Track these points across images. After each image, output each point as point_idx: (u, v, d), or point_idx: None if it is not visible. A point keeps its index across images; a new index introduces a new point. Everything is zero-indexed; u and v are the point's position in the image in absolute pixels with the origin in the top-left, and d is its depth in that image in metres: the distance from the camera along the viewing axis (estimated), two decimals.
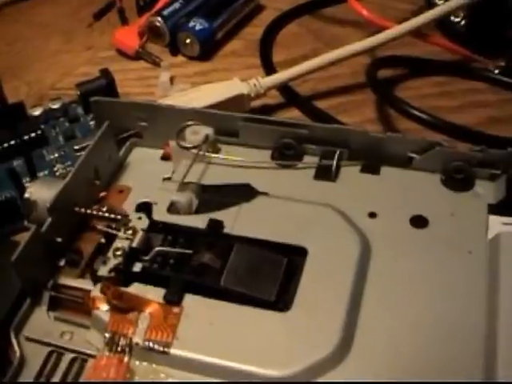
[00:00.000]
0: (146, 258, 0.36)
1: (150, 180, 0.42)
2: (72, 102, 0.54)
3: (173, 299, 0.35)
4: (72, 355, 0.35)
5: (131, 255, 0.36)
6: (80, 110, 0.53)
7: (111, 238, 0.38)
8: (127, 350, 0.33)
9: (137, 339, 0.33)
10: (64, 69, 0.61)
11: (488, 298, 0.34)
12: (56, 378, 0.34)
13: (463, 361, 0.32)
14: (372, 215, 0.39)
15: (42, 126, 0.52)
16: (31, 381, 0.33)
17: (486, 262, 0.36)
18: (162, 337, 0.33)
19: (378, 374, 0.32)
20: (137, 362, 0.33)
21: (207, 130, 0.42)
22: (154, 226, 0.38)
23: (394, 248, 0.37)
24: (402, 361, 0.32)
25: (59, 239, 0.38)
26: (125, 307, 0.34)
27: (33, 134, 0.50)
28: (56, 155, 0.50)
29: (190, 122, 0.43)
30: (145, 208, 0.40)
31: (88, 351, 0.35)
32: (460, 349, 0.33)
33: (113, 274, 0.36)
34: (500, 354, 0.31)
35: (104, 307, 0.35)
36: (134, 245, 0.37)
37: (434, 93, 0.55)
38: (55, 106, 0.53)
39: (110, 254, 0.36)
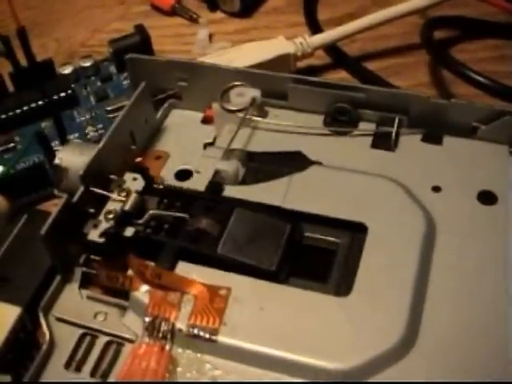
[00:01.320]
0: (140, 221, 0.33)
1: (190, 145, 0.39)
2: (104, 60, 0.51)
3: (164, 265, 0.32)
4: (107, 338, 0.32)
5: (123, 219, 0.33)
6: (113, 69, 0.50)
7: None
8: (169, 336, 0.30)
9: (180, 324, 0.30)
10: (95, 25, 0.57)
11: None
12: (89, 364, 0.31)
13: None
14: (436, 189, 0.35)
15: (73, 86, 0.48)
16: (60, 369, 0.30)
17: None
18: (207, 322, 0.30)
19: (446, 370, 0.29)
20: (179, 350, 0.30)
21: (254, 92, 0.39)
22: (150, 188, 0.35)
23: (461, 227, 0.34)
24: (474, 355, 0.29)
25: (92, 210, 0.34)
26: (166, 288, 0.31)
27: (62, 94, 0.47)
28: (87, 117, 0.47)
29: (235, 83, 0.39)
30: (185, 176, 0.37)
31: (125, 335, 0.32)
32: None
33: (103, 240, 0.32)
34: None
35: (144, 288, 0.31)
36: (127, 208, 0.33)
37: (489, 56, 0.51)
38: (86, 64, 0.50)
39: (102, 217, 0.33)
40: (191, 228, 0.33)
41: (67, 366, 0.31)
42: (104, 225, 0.33)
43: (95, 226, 0.33)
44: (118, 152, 0.37)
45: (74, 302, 0.33)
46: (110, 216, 0.33)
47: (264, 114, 0.40)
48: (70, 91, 0.47)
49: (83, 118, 0.47)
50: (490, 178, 0.36)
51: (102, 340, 0.32)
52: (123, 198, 0.34)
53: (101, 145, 0.36)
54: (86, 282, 0.34)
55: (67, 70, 0.50)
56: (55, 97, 0.47)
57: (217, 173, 0.36)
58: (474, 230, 0.33)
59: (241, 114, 0.38)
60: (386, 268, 0.32)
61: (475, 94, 0.45)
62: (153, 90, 0.41)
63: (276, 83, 0.39)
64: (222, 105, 0.39)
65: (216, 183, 0.35)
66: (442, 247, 0.33)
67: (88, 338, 0.32)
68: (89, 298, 0.33)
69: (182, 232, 0.33)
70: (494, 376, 0.28)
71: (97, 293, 0.33)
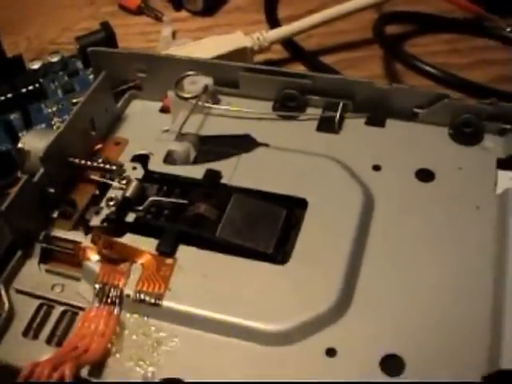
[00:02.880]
0: (140, 208, 0.35)
1: (148, 132, 0.41)
2: (72, 56, 0.53)
3: (166, 250, 0.33)
4: (63, 308, 0.34)
5: (124, 205, 0.35)
6: (80, 64, 0.52)
7: (105, 189, 0.37)
8: (117, 301, 0.32)
9: (128, 290, 0.32)
10: (65, 24, 0.59)
11: (496, 256, 0.33)
12: (45, 331, 0.33)
13: (468, 322, 0.31)
14: (376, 168, 0.37)
15: (41, 80, 0.50)
16: None
17: (494, 218, 0.34)
18: (153, 288, 0.32)
19: (378, 333, 0.31)
20: (127, 315, 0.32)
21: (206, 80, 0.41)
22: (150, 177, 0.37)
23: (398, 202, 0.36)
24: (404, 320, 0.31)
25: (52, 190, 0.37)
26: (116, 258, 0.33)
27: (30, 87, 0.49)
28: (54, 109, 0.49)
29: (189, 73, 0.41)
30: (141, 160, 0.39)
31: (79, 304, 0.33)
32: (466, 310, 0.31)
33: (105, 225, 0.34)
34: (508, 317, 0.30)
35: (95, 258, 0.33)
36: (128, 194, 0.35)
37: (443, 50, 0.53)
38: (54, 60, 0.52)
39: (103, 203, 0.35)
40: (191, 213, 0.35)
41: (25, 333, 0.33)
42: (106, 211, 0.35)
43: (97, 213, 0.35)
44: (79, 137, 0.39)
45: (34, 276, 0.35)
46: (112, 203, 0.35)
47: (217, 102, 0.42)
48: (37, 85, 0.49)
49: (50, 110, 0.49)
50: (429, 158, 0.38)
51: (58, 310, 0.34)
52: (124, 186, 0.36)
53: (61, 129, 0.38)
54: (45, 257, 0.36)
55: (36, 66, 0.51)
56: (24, 90, 0.48)
57: (169, 154, 0.38)
58: (410, 205, 0.35)
59: (194, 101, 0.40)
60: (323, 239, 0.34)
61: (428, 85, 0.47)
62: (115, 81, 0.43)
63: (228, 72, 0.41)
64: (177, 93, 0.41)
65: (214, 171, 0.37)
66: (379, 220, 0.35)
67: (45, 308, 0.34)
68: (47, 271, 0.35)
69: (182, 217, 0.35)
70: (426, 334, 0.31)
71: (56, 266, 0.35)
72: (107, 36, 0.51)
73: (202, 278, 0.32)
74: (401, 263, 0.33)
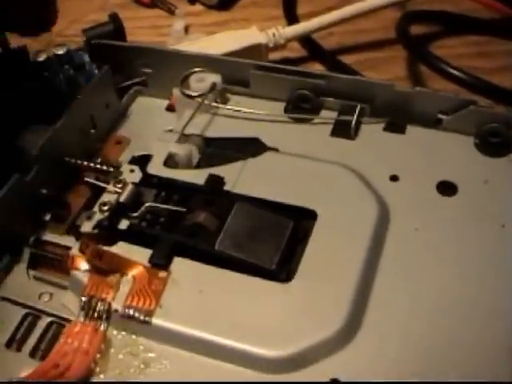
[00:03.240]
0: (135, 214, 0.32)
1: (152, 132, 0.39)
2: (78, 49, 0.50)
3: (159, 262, 0.31)
4: (49, 319, 0.31)
5: (118, 211, 0.32)
6: (86, 58, 0.49)
7: (101, 193, 0.34)
8: (104, 316, 0.29)
9: (116, 305, 0.30)
10: (74, 15, 0.57)
11: None
12: (30, 344, 0.30)
13: (488, 347, 0.28)
14: (394, 178, 0.34)
15: (46, 73, 0.47)
16: None
17: None
18: (144, 304, 0.29)
19: (390, 360, 0.28)
20: (114, 332, 0.30)
21: (214, 78, 0.38)
22: (148, 181, 0.34)
23: (416, 216, 0.33)
24: (419, 345, 0.28)
25: (45, 191, 0.34)
26: (106, 268, 0.30)
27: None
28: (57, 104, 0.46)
29: (196, 69, 0.38)
30: (140, 162, 0.36)
31: (66, 315, 0.31)
32: (485, 335, 0.28)
33: (96, 231, 0.31)
34: None
35: (83, 267, 0.31)
36: (122, 199, 0.33)
37: (470, 52, 0.50)
38: (60, 52, 0.49)
39: (96, 208, 0.32)
40: (189, 222, 0.32)
41: (8, 344, 0.30)
42: (98, 216, 0.32)
43: (89, 218, 0.32)
44: (76, 135, 0.37)
45: (21, 282, 0.33)
46: (105, 208, 0.32)
47: (226, 101, 0.39)
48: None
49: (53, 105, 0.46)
50: (452, 169, 0.35)
51: (44, 320, 0.31)
52: (119, 190, 0.33)
53: (56, 126, 0.35)
54: (34, 263, 0.33)
55: (41, 58, 0.49)
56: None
57: (170, 157, 0.35)
58: (429, 220, 0.33)
59: (200, 100, 0.37)
60: (332, 255, 0.31)
61: (453, 89, 0.44)
62: (120, 76, 0.41)
63: (238, 69, 0.39)
64: (182, 90, 0.38)
65: (216, 177, 0.34)
66: (395, 236, 0.32)
67: (30, 318, 0.31)
68: (36, 278, 0.33)
69: (179, 226, 0.32)
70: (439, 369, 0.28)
71: (45, 274, 0.33)
72: (115, 29, 0.49)
73: (197, 294, 0.30)
74: (417, 284, 0.30)
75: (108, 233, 0.32)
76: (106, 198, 0.33)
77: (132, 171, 0.34)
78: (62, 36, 0.54)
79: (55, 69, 0.47)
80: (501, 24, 0.51)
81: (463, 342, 0.28)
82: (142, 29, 0.54)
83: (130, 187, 0.33)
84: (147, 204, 0.33)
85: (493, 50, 0.50)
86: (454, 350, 0.28)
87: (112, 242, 0.32)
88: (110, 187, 0.33)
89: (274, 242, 0.31)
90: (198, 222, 0.32)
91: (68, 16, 0.56)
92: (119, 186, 0.33)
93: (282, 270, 0.30)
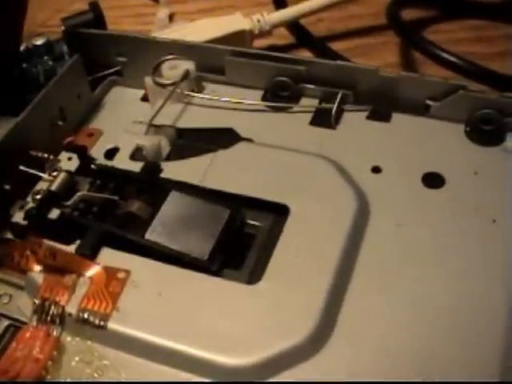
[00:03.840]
0: (67, 203, 0.30)
1: (126, 123, 0.36)
2: (59, 39, 0.48)
3: (84, 252, 0.29)
4: (7, 322, 0.29)
5: (48, 199, 0.30)
6: (66, 48, 0.47)
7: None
8: (58, 320, 0.27)
9: (70, 308, 0.28)
10: (58, 5, 0.55)
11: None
12: None
13: (476, 355, 0.26)
14: (376, 170, 0.32)
15: (24, 65, 0.46)
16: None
17: None
18: (99, 307, 0.27)
19: (362, 372, 0.25)
20: (68, 338, 0.27)
21: (187, 65, 0.36)
22: (84, 169, 0.32)
23: (398, 211, 0.30)
24: (397, 355, 0.26)
25: (7, 186, 0.32)
26: (61, 268, 0.28)
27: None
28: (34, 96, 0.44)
29: (168, 57, 0.36)
30: (110, 155, 0.34)
31: (23, 319, 0.29)
32: (472, 341, 0.26)
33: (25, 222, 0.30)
34: None
35: (38, 268, 0.29)
36: (53, 188, 0.31)
37: (468, 37, 0.48)
38: (38, 43, 0.47)
39: (29, 197, 0.30)
40: (121, 211, 0.30)
41: None
42: (30, 206, 0.30)
43: (22, 208, 0.30)
44: (44, 127, 0.35)
45: None
46: (38, 197, 0.30)
47: (201, 89, 0.37)
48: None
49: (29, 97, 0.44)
50: (439, 159, 0.33)
51: (3, 323, 0.29)
52: (53, 178, 0.31)
53: (19, 117, 0.34)
54: None
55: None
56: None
57: (137, 149, 0.33)
58: (413, 215, 0.30)
59: (172, 88, 0.35)
60: (304, 253, 0.29)
61: (448, 75, 0.42)
62: (94, 66, 0.39)
63: (213, 56, 0.37)
64: (154, 79, 0.36)
65: (152, 164, 0.32)
66: (375, 232, 0.30)
67: None
68: None
69: (112, 215, 0.30)
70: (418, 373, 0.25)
71: (6, 274, 0.31)
72: (95, 17, 0.47)
73: (156, 296, 0.27)
74: (397, 286, 0.28)
75: (38, 222, 0.30)
76: (39, 186, 0.31)
77: (69, 159, 0.32)
78: (46, 26, 0.52)
79: (33, 60, 0.46)
80: (500, 8, 0.49)
81: (446, 347, 0.26)
82: (125, 17, 0.52)
83: (62, 175, 0.31)
84: (80, 193, 0.31)
85: (492, 35, 0.48)
86: (435, 356, 0.26)
87: (43, 233, 0.30)
88: (46, 176, 0.31)
89: (208, 231, 0.29)
90: (130, 210, 0.30)
91: (52, 6, 0.54)
92: (54, 174, 0.31)
93: (215, 261, 0.28)
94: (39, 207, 0.30)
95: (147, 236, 0.29)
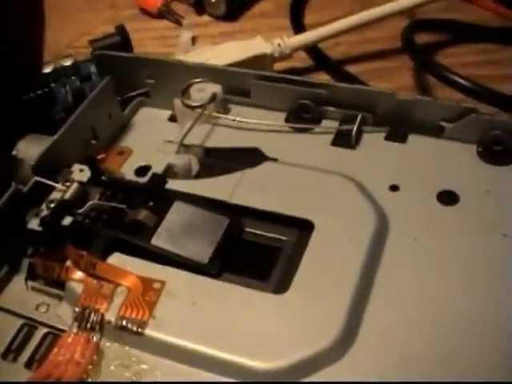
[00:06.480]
0: (79, 211, 0.33)
1: (155, 142, 0.39)
2: (85, 60, 0.50)
3: (94, 255, 0.31)
4: (45, 330, 0.31)
5: (62, 207, 0.32)
6: (93, 69, 0.49)
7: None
8: (97, 327, 0.29)
9: (109, 316, 0.29)
10: (84, 27, 0.57)
11: None
12: (26, 354, 0.30)
13: (485, 363, 0.27)
14: (394, 188, 0.34)
15: (52, 85, 0.48)
16: None
17: None
18: (137, 315, 0.29)
19: (384, 374, 0.27)
20: (107, 343, 0.29)
21: (215, 88, 0.38)
22: (95, 180, 0.34)
23: (415, 227, 0.32)
24: (415, 360, 0.27)
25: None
26: (100, 279, 0.30)
27: (39, 92, 0.46)
28: (63, 115, 0.46)
29: (196, 80, 0.38)
30: (145, 172, 0.36)
31: (61, 326, 0.31)
32: (484, 350, 0.28)
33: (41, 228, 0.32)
34: None
35: (78, 278, 0.31)
36: (67, 196, 0.33)
37: (477, 61, 0.49)
38: (67, 64, 0.49)
39: (44, 205, 0.32)
40: (129, 219, 0.33)
41: (4, 355, 0.30)
42: (45, 213, 0.32)
43: (37, 215, 0.32)
44: (77, 145, 0.37)
45: (19, 293, 0.33)
46: (52, 205, 0.32)
47: (227, 111, 0.39)
48: (46, 89, 0.47)
49: (58, 116, 0.46)
50: (453, 178, 0.34)
51: (41, 331, 0.31)
52: (66, 188, 0.33)
53: (55, 137, 0.35)
54: (33, 274, 0.33)
55: (48, 69, 0.49)
56: (32, 94, 0.46)
57: (169, 167, 0.35)
58: (429, 230, 0.32)
59: (200, 110, 0.37)
60: (328, 266, 0.30)
61: (460, 98, 0.44)
62: (124, 87, 0.41)
63: (239, 79, 0.39)
64: (183, 101, 0.38)
65: (159, 176, 0.35)
66: (394, 246, 0.31)
67: (26, 329, 0.31)
68: (33, 289, 0.33)
69: (120, 223, 0.33)
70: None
71: (42, 284, 0.33)
72: (121, 40, 0.49)
73: (190, 305, 0.29)
74: (416, 295, 0.30)
75: (53, 230, 0.32)
76: (53, 195, 0.33)
77: (81, 171, 0.34)
78: (72, 48, 0.55)
79: (62, 80, 0.48)
80: (507, 31, 0.51)
81: (462, 357, 0.27)
82: (150, 40, 0.54)
83: (75, 185, 0.33)
84: (91, 202, 0.33)
85: (500, 58, 0.50)
86: (451, 365, 0.27)
87: (58, 238, 0.32)
88: (59, 186, 0.33)
89: (208, 238, 0.31)
90: (138, 218, 0.32)
91: (78, 28, 0.57)
92: (67, 184, 0.33)
93: (214, 265, 0.31)
94: (53, 215, 0.32)
95: (153, 242, 0.32)
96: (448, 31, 0.51)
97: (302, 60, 0.50)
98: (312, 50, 0.49)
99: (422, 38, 0.49)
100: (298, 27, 0.52)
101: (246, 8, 0.57)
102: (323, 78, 0.49)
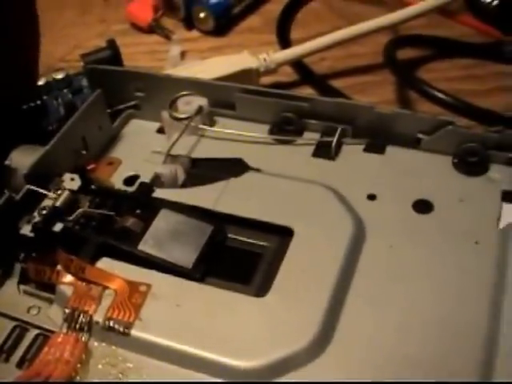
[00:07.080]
0: (70, 218, 0.34)
1: (143, 153, 0.40)
2: (78, 73, 0.52)
3: (84, 260, 0.33)
4: (36, 331, 0.33)
5: (53, 214, 0.34)
6: (85, 82, 0.51)
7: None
8: (86, 328, 0.30)
9: (97, 317, 0.31)
10: (75, 41, 0.59)
11: (492, 296, 0.31)
12: (17, 355, 0.32)
13: (458, 364, 0.29)
14: (371, 197, 0.35)
15: (44, 97, 0.49)
16: None
17: (494, 254, 0.32)
18: (124, 316, 0.31)
19: (359, 374, 0.29)
20: (95, 343, 0.31)
21: (201, 101, 0.40)
22: (85, 188, 0.36)
23: (391, 234, 0.34)
24: (388, 361, 0.29)
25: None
26: (89, 282, 0.32)
27: (32, 104, 0.48)
28: (55, 127, 0.47)
29: (183, 93, 0.40)
30: (133, 182, 0.38)
31: (52, 328, 0.32)
32: (457, 352, 0.29)
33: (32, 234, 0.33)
34: (499, 362, 0.28)
35: (68, 282, 0.32)
36: (58, 204, 0.34)
37: (459, 76, 0.51)
38: (59, 77, 0.51)
39: (36, 212, 0.34)
40: (118, 226, 0.34)
41: None
42: (37, 220, 0.34)
43: (29, 222, 0.34)
44: (68, 155, 0.38)
45: (12, 296, 0.34)
46: (44, 212, 0.34)
47: (213, 123, 0.40)
48: (39, 102, 0.48)
49: (51, 128, 0.47)
50: (429, 188, 0.36)
51: (32, 333, 0.33)
52: (57, 196, 0.34)
53: (47, 147, 0.37)
54: (25, 278, 0.34)
55: (40, 82, 0.51)
56: (25, 106, 0.48)
57: (156, 177, 0.37)
58: (404, 238, 0.33)
59: (187, 122, 0.39)
60: (306, 270, 0.32)
61: (439, 112, 0.45)
62: (114, 100, 0.43)
63: (224, 93, 0.40)
64: (171, 113, 0.40)
65: (146, 184, 0.37)
66: (370, 253, 0.33)
67: (18, 330, 0.33)
68: (25, 292, 0.34)
69: (109, 229, 0.34)
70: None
71: (34, 288, 0.34)
72: (112, 54, 0.50)
73: (175, 307, 0.31)
74: (390, 300, 0.31)
75: (44, 235, 0.33)
76: (45, 203, 0.34)
77: (72, 179, 0.36)
78: (65, 61, 0.56)
79: (54, 92, 0.49)
80: (489, 47, 0.53)
81: (433, 360, 0.29)
82: (140, 54, 0.55)
83: (66, 193, 0.35)
84: (81, 209, 0.35)
85: (482, 73, 0.51)
86: (422, 365, 0.29)
87: (49, 244, 0.33)
88: (51, 194, 0.35)
89: (193, 244, 0.33)
90: (125, 225, 0.34)
91: (70, 42, 0.58)
92: (58, 192, 0.35)
93: (198, 269, 0.32)
94: (45, 221, 0.34)
95: (140, 247, 0.33)
96: (431, 47, 0.52)
97: (288, 74, 0.51)
98: (297, 64, 0.51)
99: (407, 54, 0.51)
100: (284, 42, 0.54)
101: (234, 23, 0.58)
102: (308, 91, 0.50)
